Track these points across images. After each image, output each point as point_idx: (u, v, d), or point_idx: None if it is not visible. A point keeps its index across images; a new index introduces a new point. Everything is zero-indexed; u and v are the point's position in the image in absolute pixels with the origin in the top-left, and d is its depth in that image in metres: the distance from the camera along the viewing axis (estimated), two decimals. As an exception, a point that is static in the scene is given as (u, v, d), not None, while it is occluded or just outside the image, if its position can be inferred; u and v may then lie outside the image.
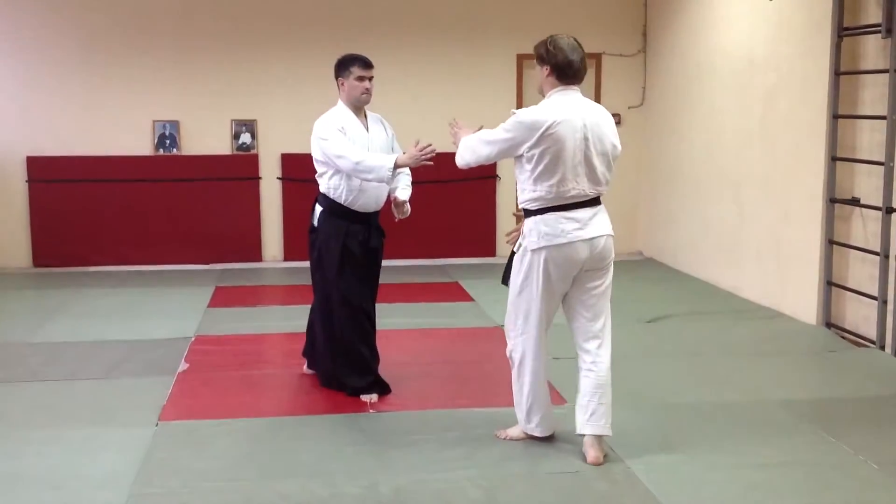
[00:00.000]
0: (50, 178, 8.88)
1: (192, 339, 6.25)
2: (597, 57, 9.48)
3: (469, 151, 4.29)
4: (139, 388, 5.20)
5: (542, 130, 4.00)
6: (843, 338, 6.31)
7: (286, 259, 9.22)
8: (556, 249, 4.10)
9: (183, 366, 5.63)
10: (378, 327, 5.24)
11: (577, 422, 4.22)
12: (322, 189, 5.08)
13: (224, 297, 7.63)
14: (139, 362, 5.71)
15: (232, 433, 4.49)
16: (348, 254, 5.00)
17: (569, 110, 4.06)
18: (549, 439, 4.36)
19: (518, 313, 4.26)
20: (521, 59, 9.38)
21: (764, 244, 7.26)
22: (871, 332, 6.07)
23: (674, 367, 5.67)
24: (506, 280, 4.35)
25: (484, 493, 3.81)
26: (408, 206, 5.12)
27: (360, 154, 4.82)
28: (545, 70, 4.15)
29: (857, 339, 6.21)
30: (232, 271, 8.83)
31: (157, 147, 9.07)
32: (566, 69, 4.10)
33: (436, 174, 9.30)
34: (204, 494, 3.80)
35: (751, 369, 5.61)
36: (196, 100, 9.06)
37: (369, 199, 5.03)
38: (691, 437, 4.45)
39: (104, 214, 8.98)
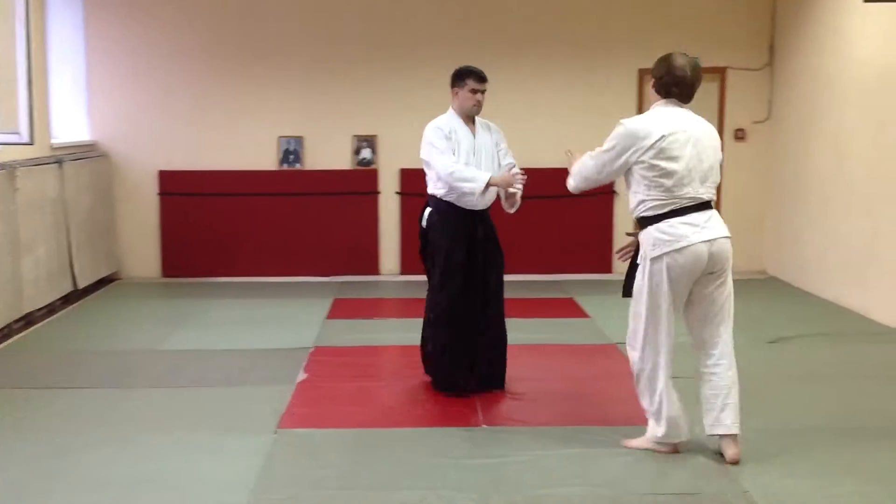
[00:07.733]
0: (180, 191, 9.22)
1: (311, 349, 6.37)
2: (721, 71, 9.27)
3: (576, 173, 4.43)
4: (260, 396, 5.32)
5: (647, 139, 4.09)
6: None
7: (403, 272, 9.30)
8: (676, 254, 4.09)
9: (302, 375, 5.74)
10: (493, 342, 5.23)
11: (705, 424, 4.28)
12: (430, 190, 5.31)
13: (342, 309, 7.75)
14: (260, 371, 5.85)
15: (348, 443, 4.55)
16: (455, 264, 5.19)
17: (673, 121, 4.15)
18: (676, 452, 4.32)
19: (643, 324, 4.23)
20: (642, 73, 9.26)
21: (898, 264, 6.94)
22: None
23: (798, 389, 5.45)
24: (627, 293, 4.32)
25: (599, 512, 3.75)
26: (518, 198, 5.21)
27: (455, 165, 5.07)
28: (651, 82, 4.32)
29: None
30: (350, 284, 8.97)
31: (281, 162, 9.32)
32: (671, 86, 4.21)
33: (552, 189, 9.33)
34: (320, 502, 3.86)
35: (884, 394, 5.36)
36: (319, 117, 9.27)
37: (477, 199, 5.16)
38: (816, 462, 4.27)
39: (230, 227, 9.25)
